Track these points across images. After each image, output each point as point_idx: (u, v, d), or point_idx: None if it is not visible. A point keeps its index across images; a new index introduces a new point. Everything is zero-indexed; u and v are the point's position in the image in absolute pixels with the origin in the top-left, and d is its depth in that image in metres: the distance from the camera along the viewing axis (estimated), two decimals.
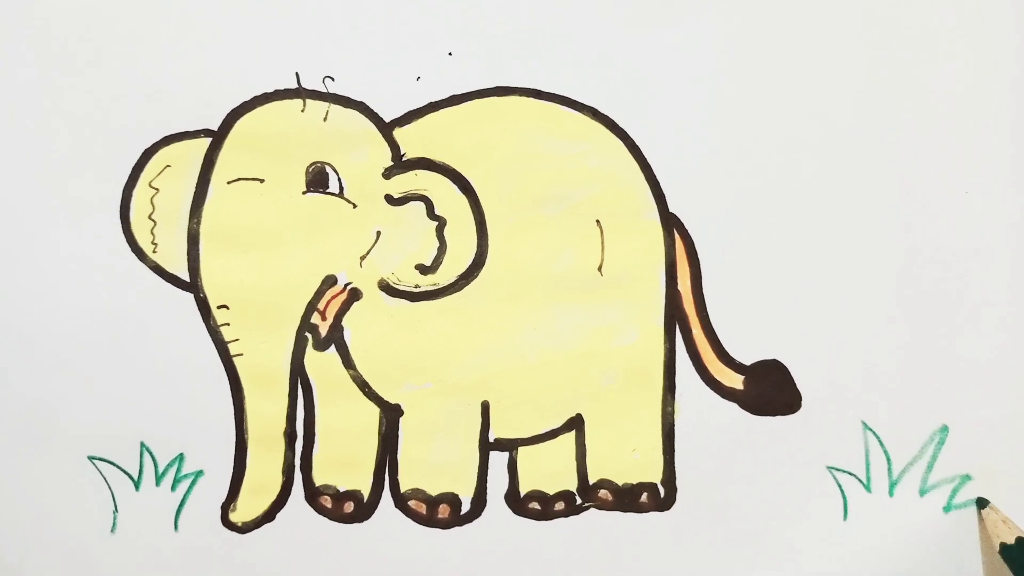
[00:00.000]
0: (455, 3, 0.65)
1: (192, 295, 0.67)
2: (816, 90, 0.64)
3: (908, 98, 0.64)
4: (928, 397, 0.66)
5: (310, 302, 0.66)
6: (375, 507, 0.68)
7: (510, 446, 0.68)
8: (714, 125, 0.65)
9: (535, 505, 0.68)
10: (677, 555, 0.68)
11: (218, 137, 0.66)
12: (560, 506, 0.68)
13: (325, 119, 0.66)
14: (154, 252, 0.67)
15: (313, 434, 0.68)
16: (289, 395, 0.67)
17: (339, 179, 0.66)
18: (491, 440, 0.68)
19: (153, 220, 0.66)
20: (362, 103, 0.66)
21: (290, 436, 0.68)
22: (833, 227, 0.65)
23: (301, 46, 0.65)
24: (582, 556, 0.68)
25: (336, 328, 0.67)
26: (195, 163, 0.66)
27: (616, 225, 0.66)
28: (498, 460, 0.68)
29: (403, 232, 0.66)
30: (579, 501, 0.68)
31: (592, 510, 0.68)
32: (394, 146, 0.66)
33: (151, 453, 0.68)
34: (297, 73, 0.65)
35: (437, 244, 0.66)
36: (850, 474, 0.67)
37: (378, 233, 0.66)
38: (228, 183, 0.66)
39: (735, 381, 0.67)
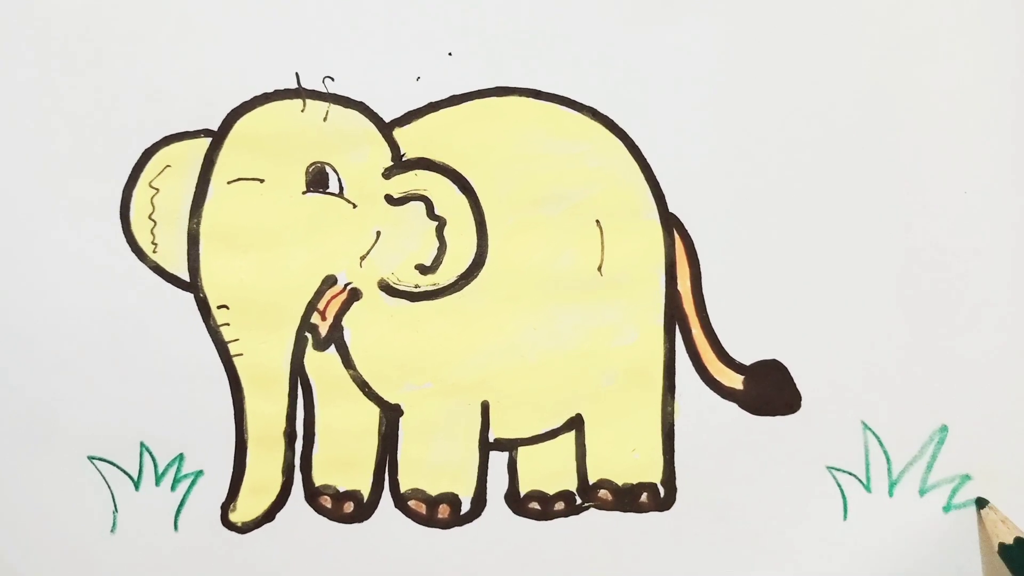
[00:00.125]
0: (455, 3, 0.65)
1: (192, 295, 0.67)
2: (816, 90, 0.64)
3: (908, 98, 0.64)
4: (928, 397, 0.66)
5: (310, 302, 0.66)
6: (375, 507, 0.68)
7: (510, 446, 0.68)
8: (714, 125, 0.65)
9: (535, 505, 0.68)
10: (677, 555, 0.68)
11: (218, 137, 0.66)
12: (560, 506, 0.68)
13: (325, 119, 0.66)
14: (154, 252, 0.67)
15: (313, 434, 0.68)
16: (289, 395, 0.67)
17: (339, 179, 0.66)
18: (491, 440, 0.68)
19: (153, 220, 0.66)
20: (362, 103, 0.66)
21: (290, 436, 0.68)
22: (833, 227, 0.65)
23: (301, 46, 0.65)
24: (582, 556, 0.68)
25: (336, 328, 0.67)
26: (195, 163, 0.66)
27: (616, 225, 0.66)
28: (498, 460, 0.68)
29: (403, 232, 0.66)
30: (579, 501, 0.68)
31: (592, 510, 0.68)
32: (394, 146, 0.66)
33: (151, 453, 0.68)
34: (297, 73, 0.65)
35: (437, 244, 0.66)
36: (850, 474, 0.67)
37: (378, 233, 0.66)
38: (228, 183, 0.66)
39: (735, 381, 0.67)
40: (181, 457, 0.68)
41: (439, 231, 0.66)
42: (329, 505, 0.68)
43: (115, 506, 0.69)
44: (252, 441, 0.68)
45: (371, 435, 0.68)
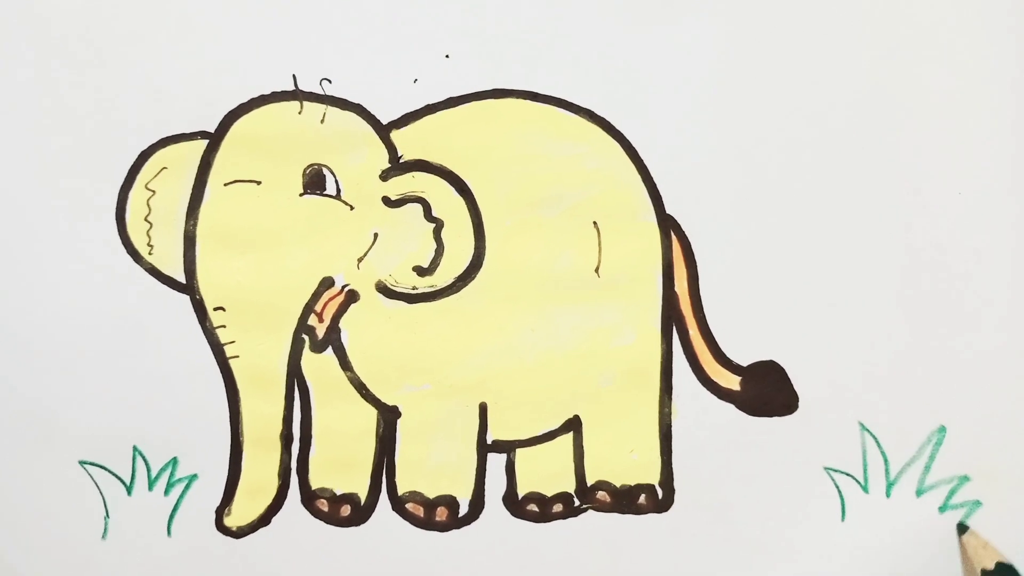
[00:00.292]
0: (452, 5, 0.65)
1: (188, 297, 0.66)
2: (815, 91, 0.65)
3: (908, 98, 0.65)
4: (926, 398, 0.66)
5: (307, 304, 0.66)
6: (372, 510, 0.68)
7: (508, 448, 0.68)
8: (711, 126, 0.65)
9: (533, 507, 0.68)
10: (675, 556, 0.68)
11: (215, 139, 0.66)
12: (558, 508, 0.68)
13: (322, 121, 0.66)
14: (150, 254, 0.66)
15: (310, 436, 0.68)
16: (286, 397, 0.67)
17: (336, 181, 0.66)
18: (489, 442, 0.68)
19: (149, 222, 0.66)
20: (359, 105, 0.66)
21: (286, 438, 0.67)
22: (831, 228, 0.65)
23: (298, 48, 0.65)
24: (580, 558, 0.68)
25: (333, 330, 0.67)
26: (192, 165, 0.66)
27: (613, 226, 0.66)
28: (496, 462, 0.68)
29: (400, 234, 0.66)
30: (577, 503, 0.68)
31: (590, 512, 0.68)
32: (391, 148, 0.66)
33: (144, 457, 0.68)
34: (294, 75, 0.65)
35: (434, 246, 0.66)
36: (847, 475, 0.67)
37: (375, 235, 0.66)
38: (225, 185, 0.66)
39: (732, 382, 0.67)
40: (175, 461, 0.68)
41: (437, 233, 0.66)
42: (326, 508, 0.68)
43: (106, 512, 0.69)
44: (248, 444, 0.67)
45: (369, 437, 0.67)
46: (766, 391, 0.67)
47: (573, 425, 0.68)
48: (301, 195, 0.66)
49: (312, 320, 0.66)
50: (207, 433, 0.67)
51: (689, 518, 0.68)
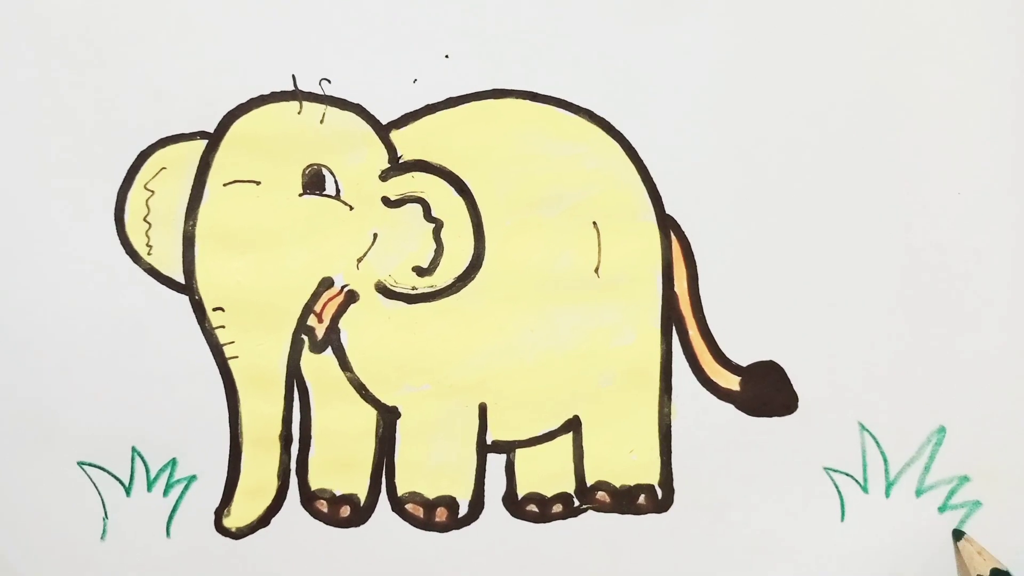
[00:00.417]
0: (452, 5, 0.65)
1: (187, 297, 0.66)
2: (815, 91, 0.65)
3: (908, 98, 0.65)
4: (925, 398, 0.66)
5: (306, 304, 0.66)
6: (372, 511, 0.68)
7: (508, 448, 0.68)
8: (711, 126, 0.65)
9: (533, 507, 0.68)
10: (675, 557, 0.68)
11: (214, 139, 0.66)
12: (558, 508, 0.68)
13: (322, 121, 0.65)
14: (149, 254, 0.66)
15: (309, 437, 0.67)
16: (285, 398, 0.67)
17: (336, 181, 0.66)
18: (489, 442, 0.68)
19: (148, 222, 0.66)
20: (359, 105, 0.66)
21: (286, 439, 0.67)
22: (831, 228, 0.66)
23: (298, 48, 0.65)
24: (580, 558, 0.68)
25: (333, 330, 0.66)
26: (191, 165, 0.66)
27: (613, 227, 0.66)
28: (496, 462, 0.68)
29: (400, 234, 0.66)
30: (577, 503, 0.68)
31: (590, 512, 0.68)
32: (391, 148, 0.66)
33: (143, 458, 0.68)
34: (294, 75, 0.65)
35: (434, 246, 0.66)
36: (847, 475, 0.67)
37: (375, 235, 0.66)
38: (224, 185, 0.66)
39: (732, 382, 0.67)
40: (174, 462, 0.68)
41: (436, 233, 0.66)
42: (325, 509, 0.68)
43: (105, 512, 0.68)
44: (247, 445, 0.67)
45: (368, 438, 0.67)
46: (766, 391, 0.67)
47: (573, 425, 0.68)
48: (300, 195, 0.66)
49: (311, 320, 0.66)
50: (206, 434, 0.67)
51: (689, 518, 0.67)
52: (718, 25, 0.65)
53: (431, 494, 0.68)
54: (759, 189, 0.65)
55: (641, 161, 0.66)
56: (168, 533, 0.68)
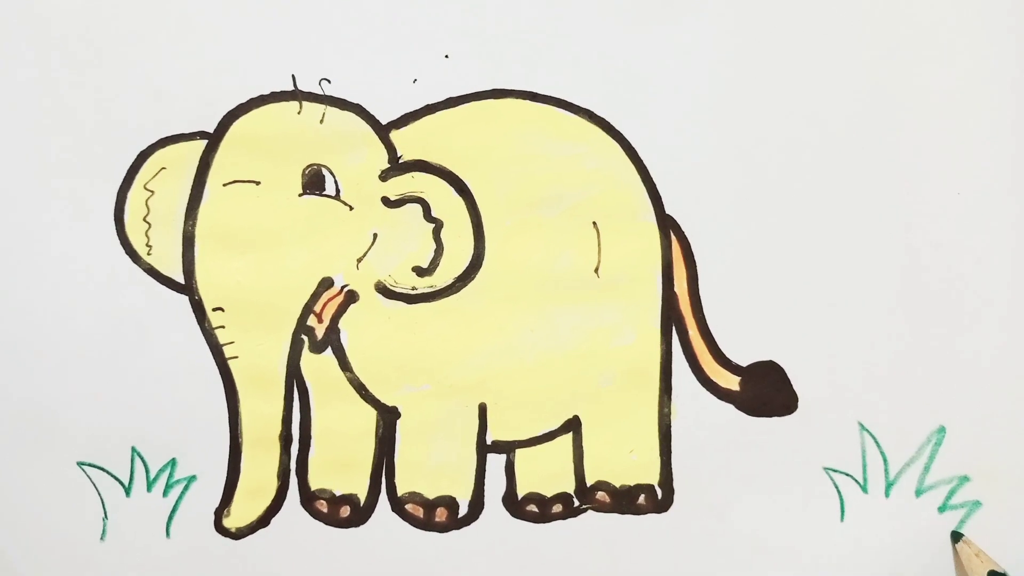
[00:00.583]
0: (452, 5, 0.65)
1: (187, 298, 0.66)
2: (815, 91, 0.65)
3: (908, 98, 0.65)
4: (925, 398, 0.66)
5: (306, 304, 0.66)
6: (372, 511, 0.68)
7: (508, 448, 0.68)
8: (711, 126, 0.65)
9: (533, 508, 0.68)
10: (674, 557, 0.68)
11: (214, 139, 0.66)
12: (558, 508, 0.68)
13: (321, 121, 0.65)
14: (149, 254, 0.66)
15: (309, 437, 0.67)
16: (285, 398, 0.67)
17: (335, 181, 0.66)
18: (489, 442, 0.67)
19: (148, 223, 0.66)
20: (358, 105, 0.66)
21: (286, 439, 0.67)
22: (831, 228, 0.66)
23: (298, 48, 0.65)
24: (580, 558, 0.68)
25: (333, 330, 0.66)
26: (191, 165, 0.66)
27: (613, 227, 0.66)
28: (496, 462, 0.68)
29: (400, 234, 0.66)
30: (577, 503, 0.68)
31: (590, 512, 0.68)
32: (391, 148, 0.66)
33: (142, 458, 0.68)
34: (293, 75, 0.65)
35: (434, 246, 0.66)
36: (847, 475, 0.67)
37: (375, 235, 0.66)
38: (224, 185, 0.66)
39: (731, 382, 0.67)
40: (174, 462, 0.68)
41: (436, 233, 0.66)
42: (325, 509, 0.68)
43: (105, 513, 0.68)
44: (247, 445, 0.67)
45: (368, 438, 0.67)
46: (766, 391, 0.67)
47: (573, 425, 0.68)
48: (300, 195, 0.66)
49: (311, 320, 0.66)
50: (206, 434, 0.67)
51: (688, 518, 0.67)
52: (718, 25, 0.65)
53: (431, 494, 0.68)
54: (759, 189, 0.65)
55: (641, 161, 0.66)
56: (168, 533, 0.68)
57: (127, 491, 0.68)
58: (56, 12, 0.65)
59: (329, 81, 0.65)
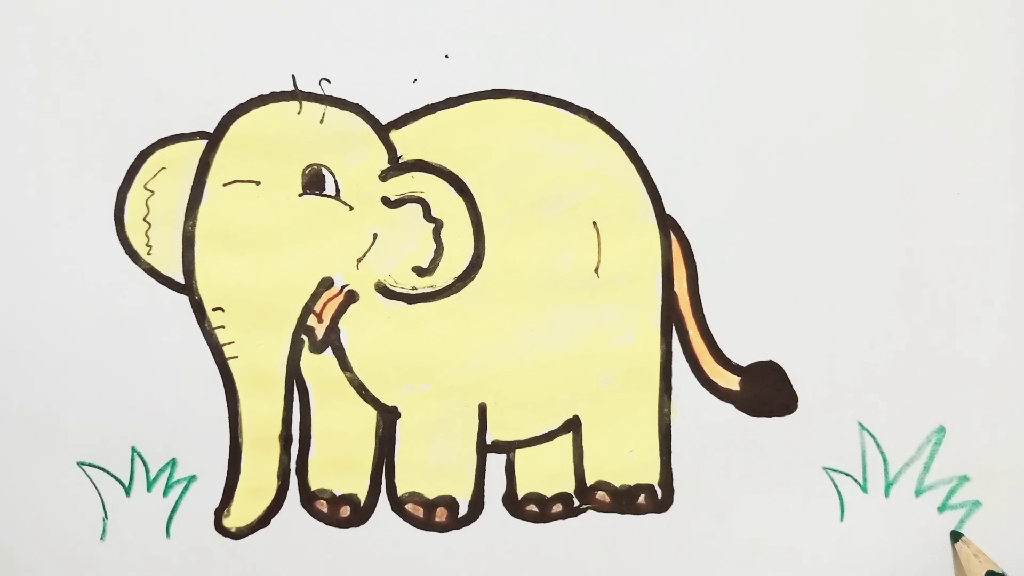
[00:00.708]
0: (452, 5, 0.65)
1: (187, 298, 0.66)
2: (815, 91, 0.65)
3: (908, 98, 0.65)
4: (925, 398, 0.66)
5: (306, 304, 0.66)
6: (372, 511, 0.68)
7: (508, 448, 0.68)
8: (711, 126, 0.65)
9: (533, 507, 0.68)
10: (675, 556, 0.68)
11: (214, 139, 0.66)
12: (558, 508, 0.68)
13: (321, 121, 0.65)
14: (148, 255, 0.66)
15: (309, 437, 0.67)
16: (285, 398, 0.67)
17: (335, 181, 0.66)
18: (489, 442, 0.67)
19: (148, 223, 0.66)
20: (358, 105, 0.66)
21: (286, 439, 0.67)
22: (831, 228, 0.65)
23: (298, 48, 0.65)
24: (580, 558, 0.68)
25: (333, 330, 0.66)
26: (191, 165, 0.66)
27: (613, 227, 0.66)
28: (496, 462, 0.68)
29: (400, 234, 0.66)
30: (577, 503, 0.68)
31: (590, 512, 0.68)
32: (391, 148, 0.66)
33: (142, 458, 0.68)
34: (293, 75, 0.65)
35: (434, 246, 0.66)
36: (846, 475, 0.67)
37: (375, 235, 0.66)
38: (224, 185, 0.66)
39: (731, 382, 0.67)
40: (174, 462, 0.68)
41: (436, 233, 0.66)
42: (325, 509, 0.68)
43: (105, 513, 0.68)
44: (247, 445, 0.67)
45: (368, 438, 0.67)
46: (765, 391, 0.67)
47: (573, 425, 0.68)
48: (300, 195, 0.66)
49: (311, 320, 0.66)
50: (206, 434, 0.67)
51: (688, 518, 0.67)
52: (718, 25, 0.65)
53: (431, 494, 0.68)
54: (759, 189, 0.65)
55: (641, 161, 0.66)
56: (168, 533, 0.68)
57: (127, 491, 0.68)
58: (56, 12, 0.65)
59: (329, 81, 0.65)
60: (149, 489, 0.68)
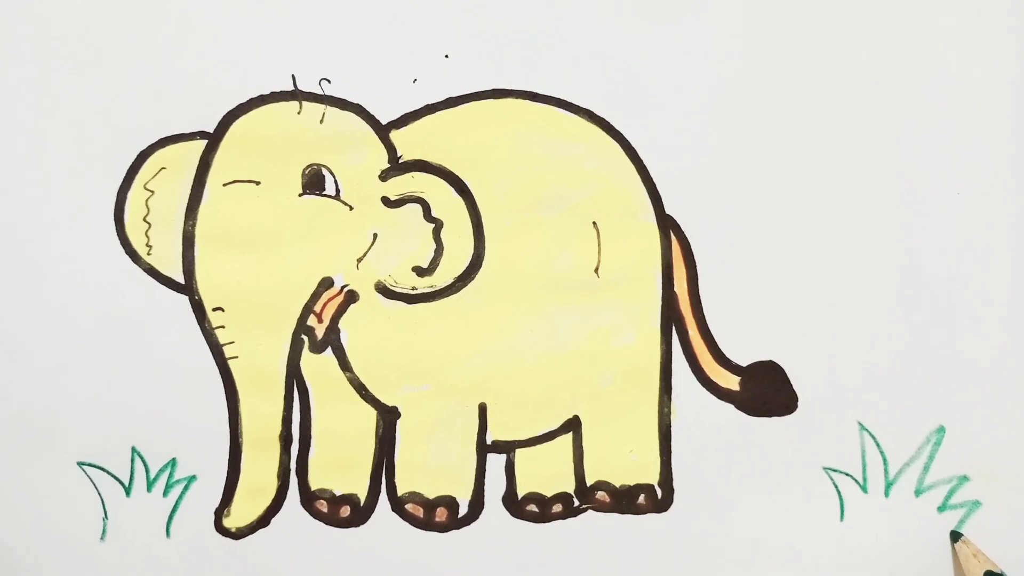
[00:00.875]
0: (452, 5, 0.65)
1: (187, 298, 0.66)
2: (815, 91, 0.65)
3: (908, 98, 0.65)
4: (925, 398, 0.66)
5: (306, 304, 0.66)
6: (372, 511, 0.68)
7: (508, 448, 0.68)
8: (711, 126, 0.65)
9: (533, 507, 0.68)
10: (675, 556, 0.68)
11: (214, 139, 0.66)
12: (558, 508, 0.68)
13: (321, 121, 0.65)
14: (148, 254, 0.66)
15: (309, 437, 0.67)
16: (285, 398, 0.67)
17: (335, 181, 0.66)
18: (489, 442, 0.67)
19: (148, 222, 0.66)
20: (358, 105, 0.66)
21: (286, 439, 0.67)
22: (830, 228, 0.65)
23: (298, 48, 0.65)
24: (580, 558, 0.68)
25: (333, 330, 0.66)
26: (191, 165, 0.66)
27: (613, 227, 0.66)
28: (496, 462, 0.68)
29: (400, 234, 0.66)
30: (577, 503, 0.68)
31: (590, 512, 0.68)
32: (391, 148, 0.66)
33: (143, 458, 0.68)
34: (293, 75, 0.65)
35: (434, 246, 0.66)
36: (846, 475, 0.67)
37: (375, 235, 0.66)
38: (224, 185, 0.66)
39: (731, 382, 0.67)
40: (174, 462, 0.68)
41: (436, 233, 0.66)
42: (325, 509, 0.68)
43: (105, 513, 0.68)
44: (247, 445, 0.67)
45: (368, 438, 0.67)
46: (765, 391, 0.67)
47: (573, 425, 0.68)
48: (300, 195, 0.66)
49: (311, 320, 0.66)
50: (206, 434, 0.67)
51: (688, 518, 0.67)
52: (718, 25, 0.65)
53: (431, 494, 0.68)
54: (759, 189, 0.65)
55: (641, 161, 0.66)
56: (168, 533, 0.68)
57: (127, 491, 0.68)
58: (56, 12, 0.65)
59: (329, 81, 0.65)
60: (149, 489, 0.68)
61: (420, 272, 0.66)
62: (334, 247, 0.66)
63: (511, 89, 0.66)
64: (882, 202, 0.65)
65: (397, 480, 0.68)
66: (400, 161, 0.66)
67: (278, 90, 0.65)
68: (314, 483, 0.68)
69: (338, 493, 0.68)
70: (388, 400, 0.67)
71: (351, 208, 0.66)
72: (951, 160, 0.65)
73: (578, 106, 0.66)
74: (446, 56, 0.65)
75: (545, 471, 0.68)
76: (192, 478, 0.68)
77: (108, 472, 0.68)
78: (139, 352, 0.67)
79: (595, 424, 0.67)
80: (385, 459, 0.68)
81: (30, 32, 0.65)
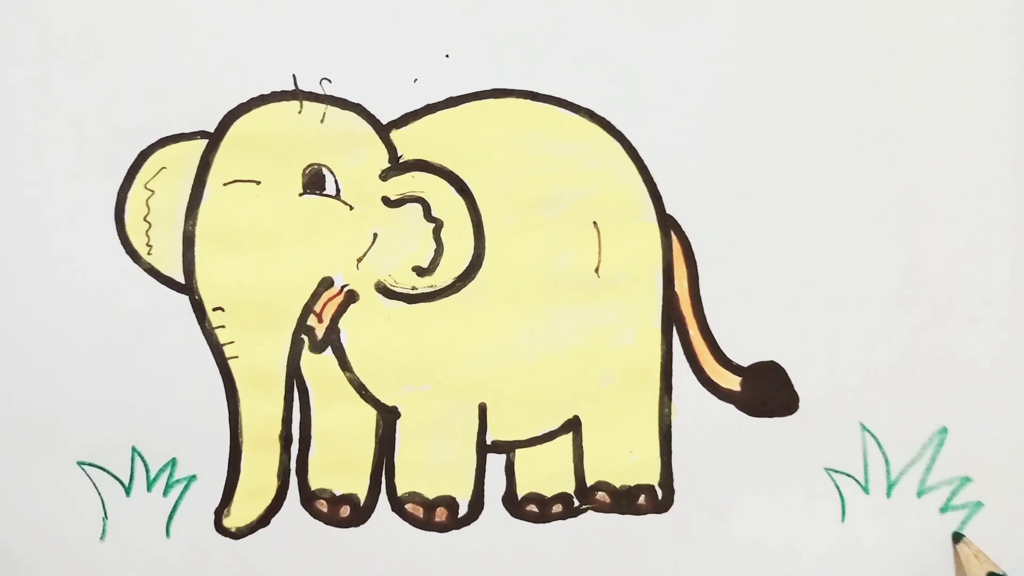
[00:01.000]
0: (452, 5, 0.65)
1: (187, 297, 0.66)
2: (815, 91, 0.65)
3: (908, 99, 0.65)
4: (927, 398, 0.66)
5: (306, 304, 0.66)
6: (372, 511, 0.68)
7: (508, 448, 0.68)
8: (712, 126, 0.65)
9: (533, 508, 0.68)
10: (675, 557, 0.68)
11: (214, 139, 0.66)
12: (558, 508, 0.68)
13: (322, 121, 0.65)
14: (149, 254, 0.66)
15: (309, 437, 0.67)
16: (285, 398, 0.67)
17: (336, 181, 0.66)
18: (489, 442, 0.67)
19: (148, 222, 0.66)
20: (359, 105, 0.66)
21: (286, 439, 0.67)
22: (831, 228, 0.65)
23: (298, 48, 0.65)
24: (580, 559, 0.68)
25: (333, 330, 0.66)
26: (191, 165, 0.66)
27: (613, 227, 0.66)
28: (496, 462, 0.68)
29: (400, 234, 0.66)
30: (577, 503, 0.68)
31: (590, 512, 0.68)
32: (391, 148, 0.66)
33: (142, 458, 0.68)
34: (294, 75, 0.65)
35: (434, 246, 0.66)
36: (848, 475, 0.67)
37: (375, 235, 0.66)
38: (224, 185, 0.66)
39: (732, 382, 0.67)
40: (174, 462, 0.68)
41: (436, 233, 0.66)
42: (325, 509, 0.68)
43: (105, 513, 0.68)
44: (247, 445, 0.67)
45: (368, 438, 0.67)
46: (766, 391, 0.67)
47: (573, 425, 0.67)
48: (301, 195, 0.66)
49: (311, 320, 0.66)
50: (206, 434, 0.67)
51: (689, 518, 0.67)
52: (718, 25, 0.65)
53: (431, 494, 0.68)
54: (759, 189, 0.65)
55: (641, 161, 0.66)
56: (168, 533, 0.68)
57: (127, 491, 0.68)
58: (56, 12, 0.65)
59: (330, 81, 0.65)
60: (149, 489, 0.68)
61: (420, 272, 0.66)
62: (334, 247, 0.66)
63: (511, 89, 0.66)
64: (882, 202, 0.65)
65: (397, 480, 0.68)
66: (400, 161, 0.66)
67: (279, 90, 0.65)
68: (314, 483, 0.68)
69: (338, 493, 0.68)
70: (388, 400, 0.67)
71: (351, 208, 0.66)
72: (951, 160, 0.65)
73: (579, 106, 0.66)
74: (446, 56, 0.65)
75: (545, 471, 0.68)
76: (192, 478, 0.68)
77: (108, 472, 0.68)
78: (139, 352, 0.67)
79: (595, 424, 0.67)
80: (385, 459, 0.68)
81: (30, 32, 0.65)
